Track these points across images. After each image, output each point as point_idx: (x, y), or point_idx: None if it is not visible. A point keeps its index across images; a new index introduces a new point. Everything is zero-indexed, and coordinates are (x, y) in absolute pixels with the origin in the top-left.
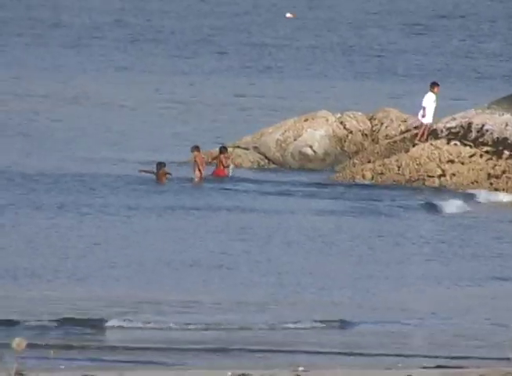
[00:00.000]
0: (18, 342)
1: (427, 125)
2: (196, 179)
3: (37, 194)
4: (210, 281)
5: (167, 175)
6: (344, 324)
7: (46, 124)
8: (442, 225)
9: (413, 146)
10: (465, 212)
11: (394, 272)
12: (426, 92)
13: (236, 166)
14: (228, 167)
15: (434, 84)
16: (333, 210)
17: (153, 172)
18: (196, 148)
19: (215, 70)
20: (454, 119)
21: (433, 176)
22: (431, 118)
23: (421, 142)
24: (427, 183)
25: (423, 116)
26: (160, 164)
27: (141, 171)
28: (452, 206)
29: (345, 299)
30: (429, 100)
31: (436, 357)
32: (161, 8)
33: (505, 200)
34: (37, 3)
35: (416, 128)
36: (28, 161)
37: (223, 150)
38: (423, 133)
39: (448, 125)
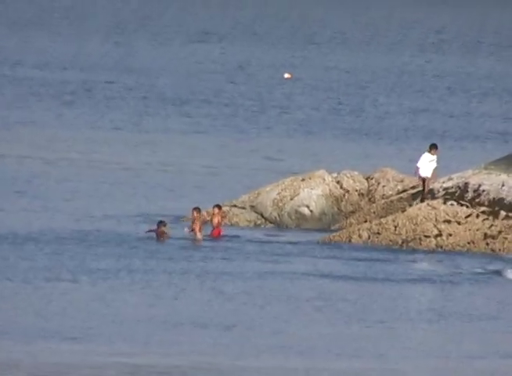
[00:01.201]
0: None
1: (424, 179)
2: (198, 238)
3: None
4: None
5: (165, 234)
6: None
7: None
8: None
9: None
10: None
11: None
12: (423, 153)
13: (233, 225)
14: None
15: (432, 146)
16: (331, 271)
17: (154, 231)
18: (196, 209)
19: (208, 129)
20: (451, 179)
21: (429, 236)
22: (427, 172)
23: (425, 198)
24: (423, 243)
25: (416, 175)
26: (161, 223)
27: (148, 231)
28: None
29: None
30: (424, 161)
31: None
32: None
33: None
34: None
35: (413, 187)
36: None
37: (218, 208)
38: (425, 188)
39: (445, 185)
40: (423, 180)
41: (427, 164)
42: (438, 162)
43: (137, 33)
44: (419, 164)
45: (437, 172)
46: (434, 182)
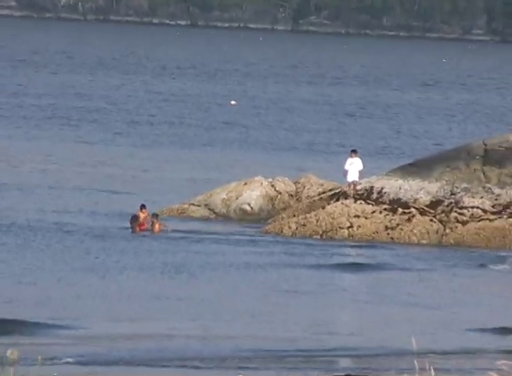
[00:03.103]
0: (12, 352)
1: (352, 182)
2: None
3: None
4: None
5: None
6: None
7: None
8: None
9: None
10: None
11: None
12: (346, 160)
13: (191, 218)
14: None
15: (352, 152)
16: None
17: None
18: (143, 206)
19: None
20: (360, 183)
21: (343, 228)
22: (355, 176)
23: (355, 197)
24: (338, 233)
25: (345, 176)
26: (154, 216)
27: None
28: None
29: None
30: (348, 164)
31: None
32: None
33: None
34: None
35: (330, 190)
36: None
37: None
38: (354, 189)
39: (357, 188)
40: (352, 183)
41: (349, 167)
42: (363, 165)
43: (112, 69)
44: (346, 167)
45: (362, 172)
46: (359, 182)
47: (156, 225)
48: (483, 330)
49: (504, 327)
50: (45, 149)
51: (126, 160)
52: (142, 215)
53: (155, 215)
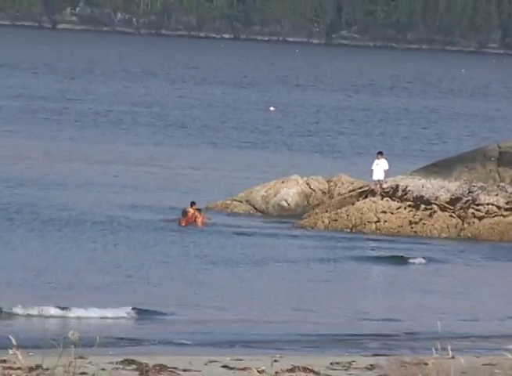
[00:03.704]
0: (73, 334)
1: (379, 181)
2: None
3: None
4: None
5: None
6: None
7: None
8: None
9: (364, 198)
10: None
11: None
12: (373, 162)
13: (233, 213)
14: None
15: (378, 154)
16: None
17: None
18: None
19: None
20: (386, 182)
21: (371, 222)
22: (380, 175)
23: (381, 194)
24: (366, 227)
25: (372, 176)
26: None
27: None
28: None
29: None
30: (374, 165)
31: None
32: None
33: None
34: None
35: (360, 188)
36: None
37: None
38: (380, 187)
39: (383, 186)
40: (379, 181)
41: (375, 167)
42: (388, 165)
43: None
44: (372, 167)
45: (388, 172)
46: (385, 181)
47: (199, 220)
48: (500, 317)
49: None
50: (102, 150)
51: (172, 160)
52: (191, 211)
53: (198, 210)
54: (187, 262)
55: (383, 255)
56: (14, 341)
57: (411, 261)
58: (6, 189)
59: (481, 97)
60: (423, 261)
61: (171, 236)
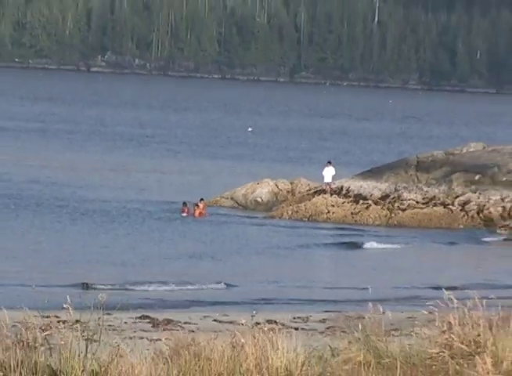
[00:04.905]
0: (102, 296)
1: (328, 183)
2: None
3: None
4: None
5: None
6: None
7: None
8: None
9: (313, 196)
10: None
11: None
12: (323, 168)
13: (221, 207)
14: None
15: (327, 163)
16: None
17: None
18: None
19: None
20: (334, 184)
21: (323, 213)
22: (329, 179)
23: (330, 193)
24: (320, 217)
25: (323, 179)
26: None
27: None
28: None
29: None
30: (325, 171)
31: None
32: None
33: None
34: None
35: (315, 188)
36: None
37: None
38: (330, 187)
39: (332, 187)
40: (328, 183)
41: (325, 172)
42: (335, 171)
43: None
44: (323, 173)
45: (334, 176)
46: (333, 183)
47: (197, 212)
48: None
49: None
50: (125, 161)
51: (177, 168)
52: (200, 205)
53: (195, 204)
54: (184, 241)
55: (337, 241)
56: (68, 300)
57: (364, 246)
58: (49, 188)
59: (401, 120)
60: (374, 244)
61: (174, 221)
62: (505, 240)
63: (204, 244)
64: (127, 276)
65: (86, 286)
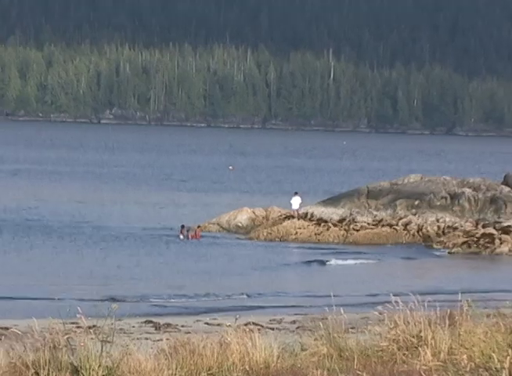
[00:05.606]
0: (114, 306)
1: (296, 210)
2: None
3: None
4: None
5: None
6: None
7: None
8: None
9: (285, 220)
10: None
11: None
12: (292, 198)
13: (209, 231)
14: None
15: (295, 193)
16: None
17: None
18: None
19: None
20: (300, 210)
21: (292, 234)
22: (296, 206)
23: (298, 217)
24: (289, 238)
25: (291, 207)
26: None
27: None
28: None
29: None
30: (292, 200)
31: None
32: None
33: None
34: None
35: (285, 214)
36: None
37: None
38: (297, 213)
39: (299, 213)
40: (295, 210)
41: (293, 201)
42: (301, 200)
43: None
44: (291, 201)
45: (301, 204)
46: (300, 209)
47: (190, 235)
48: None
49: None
50: (131, 194)
51: (171, 199)
52: (197, 230)
53: (188, 229)
54: (181, 259)
55: (305, 259)
56: (80, 310)
57: (328, 263)
58: (67, 218)
59: (353, 157)
60: (337, 262)
61: (173, 243)
62: (449, 253)
63: (198, 263)
64: (142, 289)
65: (113, 299)
